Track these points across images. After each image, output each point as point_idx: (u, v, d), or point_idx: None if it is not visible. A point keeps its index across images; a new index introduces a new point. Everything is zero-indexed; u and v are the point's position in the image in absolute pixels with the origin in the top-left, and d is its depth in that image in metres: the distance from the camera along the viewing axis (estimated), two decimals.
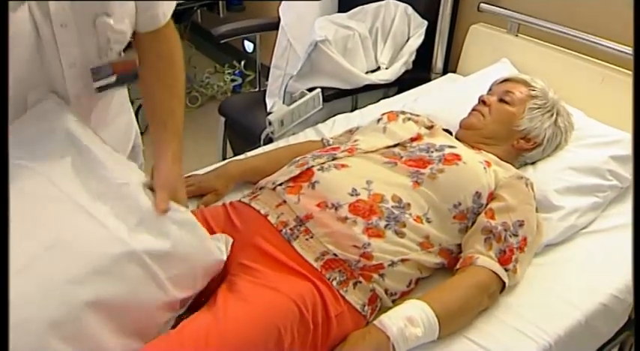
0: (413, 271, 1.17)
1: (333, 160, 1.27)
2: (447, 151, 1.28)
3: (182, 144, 1.14)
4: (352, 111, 1.96)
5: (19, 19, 0.90)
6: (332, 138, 1.56)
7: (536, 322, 1.15)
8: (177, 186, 1.08)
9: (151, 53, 1.11)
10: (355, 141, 1.40)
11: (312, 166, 1.25)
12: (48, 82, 1.01)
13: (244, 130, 2.19)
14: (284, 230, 1.15)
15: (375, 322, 1.07)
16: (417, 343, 1.06)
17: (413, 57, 2.10)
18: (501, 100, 1.45)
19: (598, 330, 1.24)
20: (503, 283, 1.18)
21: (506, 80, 1.53)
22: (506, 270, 1.18)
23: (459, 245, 1.25)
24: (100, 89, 1.05)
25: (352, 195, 1.17)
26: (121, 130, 1.28)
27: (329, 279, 1.09)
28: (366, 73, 2.06)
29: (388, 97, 2.06)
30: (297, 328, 1.01)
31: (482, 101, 1.48)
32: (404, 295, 1.18)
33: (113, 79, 1.05)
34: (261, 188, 1.29)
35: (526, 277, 1.24)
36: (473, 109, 1.48)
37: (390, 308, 1.12)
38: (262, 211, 1.19)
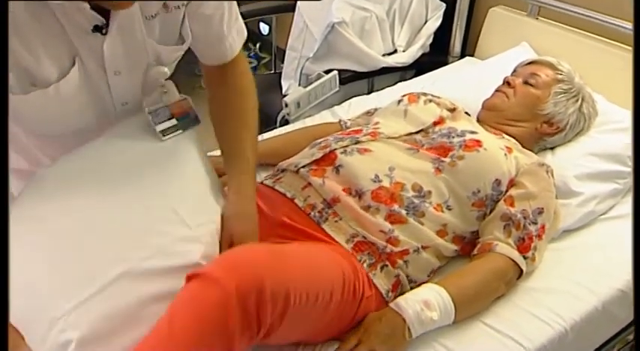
0: (433, 259, 1.18)
1: (355, 143, 1.27)
2: (468, 136, 1.27)
3: (254, 175, 1.12)
4: (368, 94, 1.95)
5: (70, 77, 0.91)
6: (349, 120, 1.55)
7: (553, 307, 1.16)
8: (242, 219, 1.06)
9: (220, 85, 1.12)
10: (376, 124, 1.39)
11: (335, 149, 1.25)
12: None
13: (260, 112, 2.17)
14: (312, 213, 1.15)
15: (391, 304, 1.08)
16: (433, 326, 1.07)
17: (430, 40, 2.08)
18: (526, 83, 1.44)
19: (615, 316, 1.24)
20: (521, 270, 1.18)
21: (532, 62, 1.51)
22: (524, 257, 1.18)
23: (473, 232, 1.24)
24: (164, 133, 1.05)
25: (375, 181, 1.17)
26: None
27: (359, 261, 1.10)
28: (383, 55, 2.04)
29: (405, 80, 2.05)
30: (340, 292, 1.01)
31: (506, 82, 1.46)
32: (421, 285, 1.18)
33: (173, 121, 1.07)
34: (282, 170, 1.29)
35: (543, 261, 1.24)
36: (497, 90, 1.47)
37: None
38: (288, 195, 1.19)
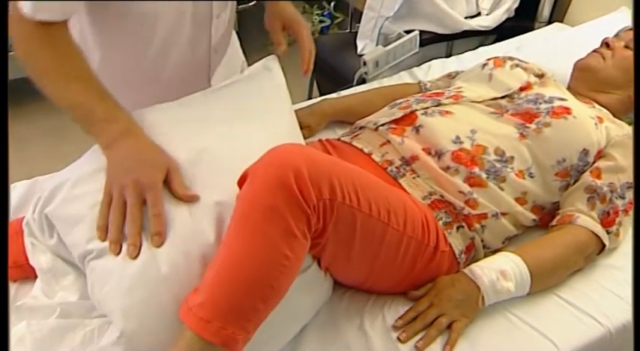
0: (510, 226, 1.15)
1: (437, 105, 1.24)
2: (557, 103, 1.21)
3: None
4: (447, 57, 1.89)
5: None
6: (429, 82, 1.51)
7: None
8: None
9: None
10: (459, 88, 1.34)
11: (416, 109, 1.22)
12: None
13: (334, 70, 2.17)
14: (389, 168, 1.14)
15: (465, 270, 1.06)
16: (507, 296, 1.05)
17: (516, 4, 1.99)
18: (627, 47, 1.35)
19: None
20: (603, 245, 1.13)
21: None
22: (608, 232, 1.13)
23: (554, 203, 1.20)
24: None
25: (455, 143, 1.14)
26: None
27: (436, 217, 1.08)
28: (465, 18, 1.97)
29: (484, 45, 1.98)
30: (415, 231, 1.00)
31: (605, 43, 1.37)
32: (496, 252, 1.15)
33: None
34: (361, 128, 1.27)
35: (626, 240, 1.19)
36: (593, 51, 1.39)
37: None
38: (365, 150, 1.18)
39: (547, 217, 1.20)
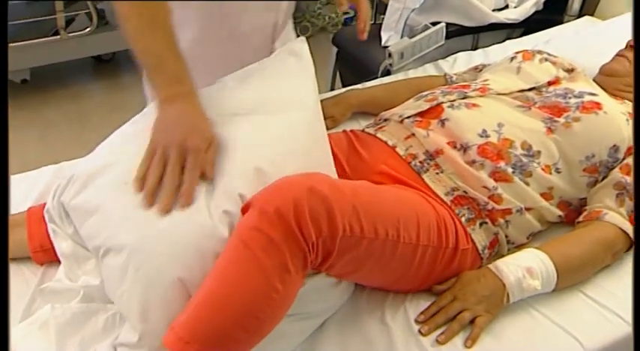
0: (535, 222, 1.13)
1: (463, 98, 1.22)
2: (587, 98, 1.19)
3: None
4: (473, 50, 1.87)
5: None
6: (455, 74, 1.50)
7: None
8: None
9: None
10: (485, 80, 1.32)
11: (442, 102, 1.20)
12: None
13: (357, 62, 2.15)
14: (413, 162, 1.13)
15: (490, 266, 1.04)
16: (533, 294, 1.03)
17: None
18: None
19: None
20: (631, 242, 1.11)
21: None
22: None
23: (581, 199, 1.18)
24: None
25: (482, 136, 1.13)
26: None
27: (458, 214, 1.07)
28: (493, 10, 1.94)
29: (511, 38, 1.95)
30: (431, 237, 0.99)
31: (630, 46, 1.35)
32: (520, 247, 1.14)
33: None
34: (385, 120, 1.26)
35: None
36: (617, 54, 1.36)
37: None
38: (390, 143, 1.17)
39: (573, 213, 1.18)
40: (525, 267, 1.02)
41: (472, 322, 0.99)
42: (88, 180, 0.96)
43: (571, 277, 1.07)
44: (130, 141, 1.00)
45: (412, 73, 1.67)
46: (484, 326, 0.99)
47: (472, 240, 1.06)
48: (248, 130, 0.99)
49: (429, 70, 1.70)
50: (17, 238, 1.08)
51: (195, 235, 0.87)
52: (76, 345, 0.92)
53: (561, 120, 1.15)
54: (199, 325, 0.80)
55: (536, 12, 1.96)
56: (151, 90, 0.98)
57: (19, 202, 1.24)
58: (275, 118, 1.01)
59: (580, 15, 1.96)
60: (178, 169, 0.90)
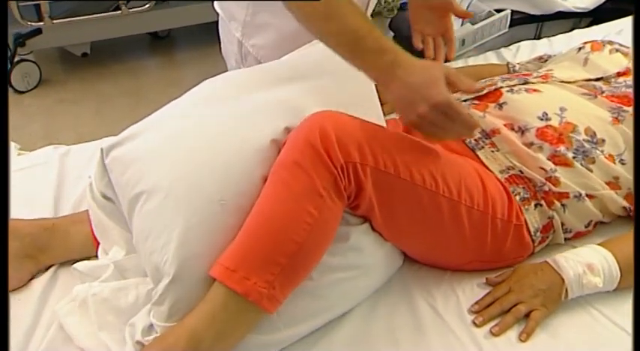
0: (596, 210, 1.09)
1: (524, 83, 1.18)
2: None
3: None
4: (537, 39, 1.80)
5: None
6: (518, 64, 1.45)
7: None
8: None
9: None
10: (549, 69, 1.28)
11: (501, 87, 1.17)
12: None
13: (414, 47, 2.11)
14: (468, 140, 1.10)
15: (549, 260, 1.01)
16: (593, 292, 0.99)
17: None
18: None
19: None
20: None
21: None
22: None
23: None
24: None
25: (542, 119, 1.09)
26: None
27: (512, 192, 1.04)
28: None
29: (578, 28, 1.87)
30: (475, 200, 0.97)
31: None
32: (578, 236, 1.11)
33: None
34: None
35: None
36: None
37: (560, 245, 1.07)
38: None
39: None
40: (586, 263, 0.99)
41: (527, 316, 0.96)
42: (132, 135, 0.95)
43: (634, 277, 1.02)
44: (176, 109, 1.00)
45: (472, 61, 1.63)
46: (540, 320, 0.96)
47: (525, 219, 1.03)
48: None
49: (490, 58, 1.65)
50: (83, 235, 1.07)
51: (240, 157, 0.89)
52: (115, 321, 0.92)
53: (630, 110, 1.10)
54: (240, 252, 0.83)
55: (607, 0, 1.87)
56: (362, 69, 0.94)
57: (76, 172, 1.27)
58: (323, 101, 0.99)
59: None
60: (448, 125, 0.90)
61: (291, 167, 0.85)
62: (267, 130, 0.91)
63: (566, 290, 0.97)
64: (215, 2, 1.33)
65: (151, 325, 0.88)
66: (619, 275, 0.99)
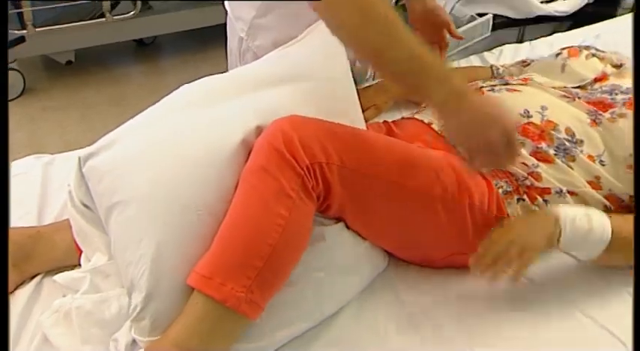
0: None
1: (505, 84, 1.20)
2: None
3: None
4: (519, 43, 1.82)
5: None
6: (502, 66, 1.46)
7: None
8: None
9: None
10: (529, 75, 1.30)
11: (482, 87, 1.19)
12: None
13: None
14: None
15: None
16: (583, 240, 0.98)
17: None
18: None
19: None
20: None
21: None
22: None
23: (631, 196, 1.13)
24: None
25: (524, 116, 1.10)
26: None
27: (495, 185, 1.05)
28: (542, 2, 1.90)
29: (559, 31, 1.90)
30: (449, 190, 0.98)
31: None
32: None
33: None
34: (425, 106, 1.25)
35: None
36: None
37: None
38: (425, 120, 1.16)
39: (623, 210, 1.12)
40: (583, 212, 0.99)
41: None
42: (108, 144, 0.95)
43: (621, 250, 1.00)
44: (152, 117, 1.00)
45: (456, 65, 1.64)
46: (532, 260, 0.95)
47: (508, 214, 1.04)
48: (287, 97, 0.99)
49: (473, 61, 1.67)
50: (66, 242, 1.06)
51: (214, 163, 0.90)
52: (100, 333, 0.91)
53: (607, 114, 1.12)
54: (214, 259, 0.84)
55: (587, 4, 1.90)
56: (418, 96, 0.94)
57: (60, 181, 1.26)
58: (299, 101, 1.00)
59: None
60: (507, 152, 0.92)
61: (258, 172, 0.86)
62: (241, 137, 0.92)
63: (561, 229, 0.96)
64: (225, 1, 1.33)
65: (134, 341, 0.88)
66: (609, 240, 0.98)
